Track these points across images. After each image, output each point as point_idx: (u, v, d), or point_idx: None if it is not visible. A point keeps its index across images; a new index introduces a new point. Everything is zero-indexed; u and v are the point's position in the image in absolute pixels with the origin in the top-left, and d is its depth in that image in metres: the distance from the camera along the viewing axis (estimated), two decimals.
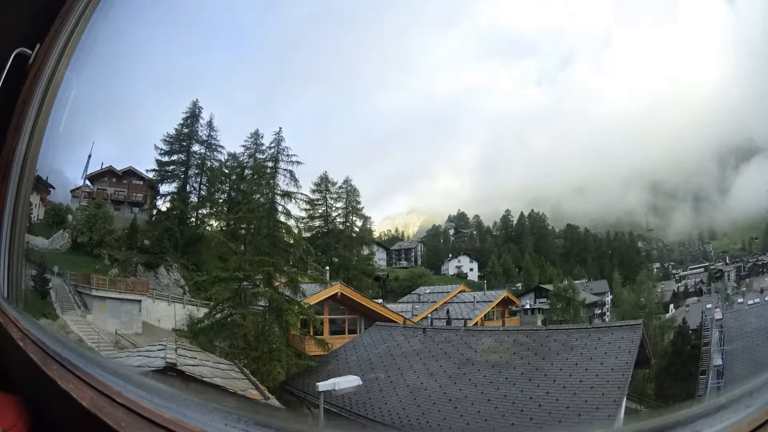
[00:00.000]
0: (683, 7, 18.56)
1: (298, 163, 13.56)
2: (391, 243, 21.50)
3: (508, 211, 21.01)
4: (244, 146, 16.56)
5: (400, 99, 20.37)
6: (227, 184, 17.25)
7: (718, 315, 13.98)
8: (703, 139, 17.43)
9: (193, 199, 16.58)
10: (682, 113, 17.80)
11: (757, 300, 14.09)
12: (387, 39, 20.32)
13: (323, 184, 17.66)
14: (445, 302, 16.60)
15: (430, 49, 19.84)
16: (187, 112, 16.23)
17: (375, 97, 20.08)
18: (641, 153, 18.41)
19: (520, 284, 18.95)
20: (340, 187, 17.79)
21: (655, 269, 18.96)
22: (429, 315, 15.80)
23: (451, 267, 20.65)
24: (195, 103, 16.26)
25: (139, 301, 13.42)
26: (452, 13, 19.98)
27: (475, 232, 21.51)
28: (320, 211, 17.63)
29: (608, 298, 17.79)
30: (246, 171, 16.76)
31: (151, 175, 16.46)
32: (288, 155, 13.48)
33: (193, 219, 16.52)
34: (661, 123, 17.97)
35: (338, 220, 17.89)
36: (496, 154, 20.74)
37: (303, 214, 14.96)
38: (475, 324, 15.01)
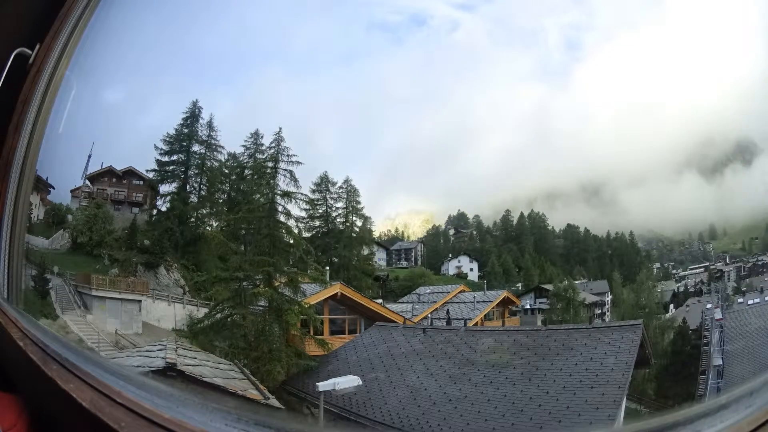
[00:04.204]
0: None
1: (298, 163, 13.57)
2: (391, 243, 21.49)
3: (508, 211, 21.04)
4: (244, 146, 16.61)
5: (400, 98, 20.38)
6: (227, 184, 17.27)
7: (718, 315, 13.98)
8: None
9: (193, 199, 16.59)
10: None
11: (757, 300, 14.08)
12: (387, 41, 20.36)
13: (323, 184, 17.67)
14: (445, 302, 16.58)
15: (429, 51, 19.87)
16: (186, 112, 16.26)
17: (375, 98, 20.10)
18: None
19: (520, 284, 18.93)
20: (340, 187, 17.83)
21: (655, 269, 18.96)
22: (429, 315, 15.78)
23: (451, 267, 20.64)
24: (195, 104, 16.28)
25: (139, 301, 13.42)
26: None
27: (475, 232, 21.50)
28: (320, 211, 17.64)
29: (608, 298, 17.78)
30: (246, 171, 16.77)
31: (151, 175, 16.48)
32: (288, 155, 13.49)
33: (193, 219, 16.52)
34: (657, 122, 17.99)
35: (338, 220, 17.91)
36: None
37: (303, 214, 14.97)
38: (475, 324, 14.99)
